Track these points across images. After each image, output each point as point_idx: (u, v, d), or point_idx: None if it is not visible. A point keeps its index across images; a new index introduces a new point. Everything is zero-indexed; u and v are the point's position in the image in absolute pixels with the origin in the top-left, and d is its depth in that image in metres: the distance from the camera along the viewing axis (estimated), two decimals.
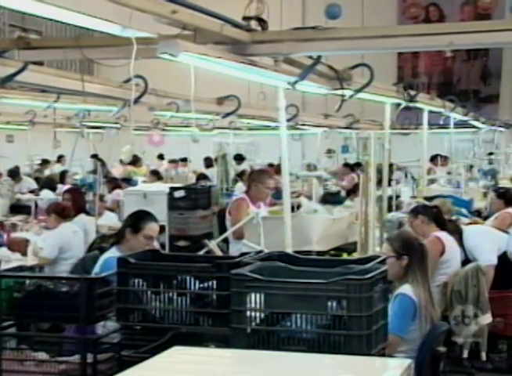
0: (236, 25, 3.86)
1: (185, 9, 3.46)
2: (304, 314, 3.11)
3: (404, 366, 2.61)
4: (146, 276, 3.51)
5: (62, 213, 6.84)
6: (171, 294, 3.47)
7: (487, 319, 5.84)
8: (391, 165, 9.58)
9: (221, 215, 7.93)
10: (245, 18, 3.99)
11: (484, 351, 5.85)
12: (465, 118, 12.23)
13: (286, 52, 4.16)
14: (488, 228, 6.96)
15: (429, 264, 5.74)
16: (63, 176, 11.83)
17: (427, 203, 7.25)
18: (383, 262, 3.47)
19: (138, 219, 4.89)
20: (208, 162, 15.21)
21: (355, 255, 5.79)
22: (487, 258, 6.17)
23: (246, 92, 11.49)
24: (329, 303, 3.13)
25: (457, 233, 6.34)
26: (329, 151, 17.28)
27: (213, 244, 4.49)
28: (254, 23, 4.00)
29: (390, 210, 8.05)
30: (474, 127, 14.80)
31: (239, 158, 14.76)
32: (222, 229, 7.18)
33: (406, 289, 4.29)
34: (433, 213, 6.16)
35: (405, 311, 4.19)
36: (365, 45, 4.00)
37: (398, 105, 7.92)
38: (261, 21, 4.02)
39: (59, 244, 6.62)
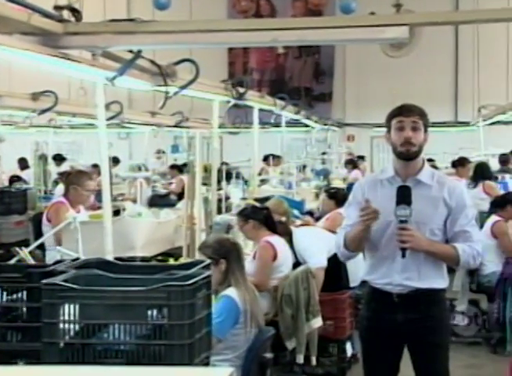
0: (46, 15, 3.77)
1: None
2: (122, 324, 3.09)
3: (225, 375, 2.66)
4: None
5: None
6: None
7: (317, 322, 6.03)
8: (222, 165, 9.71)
9: (37, 220, 7.72)
10: (56, 7, 3.92)
11: (315, 355, 6.05)
12: (297, 117, 12.60)
13: (103, 45, 4.11)
14: (318, 229, 7.19)
15: (263, 270, 5.92)
16: None
17: (257, 204, 7.39)
18: (207, 266, 3.50)
19: None
20: (23, 163, 14.78)
21: (182, 260, 5.81)
22: (317, 260, 6.36)
23: (67, 88, 11.28)
24: (150, 312, 3.13)
25: (287, 235, 6.51)
26: (158, 151, 17.25)
27: (24, 252, 4.37)
28: (66, 14, 3.94)
29: (220, 212, 8.15)
30: (306, 126, 15.29)
31: (59, 158, 14.46)
32: (39, 235, 7.00)
33: (230, 291, 4.37)
34: (263, 216, 6.27)
35: (226, 313, 4.26)
36: (185, 39, 4.01)
37: (229, 103, 8.03)
38: (75, 11, 3.96)
39: None
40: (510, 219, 7.89)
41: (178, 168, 13.59)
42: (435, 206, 3.99)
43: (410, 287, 3.99)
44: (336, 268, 6.30)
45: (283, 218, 6.79)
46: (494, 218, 7.86)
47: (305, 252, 6.43)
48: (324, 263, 6.37)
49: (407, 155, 3.96)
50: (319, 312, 6.02)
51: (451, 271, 4.41)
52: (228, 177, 11.01)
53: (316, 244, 6.50)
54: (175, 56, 5.48)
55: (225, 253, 4.49)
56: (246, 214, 6.27)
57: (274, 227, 6.27)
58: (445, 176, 4.31)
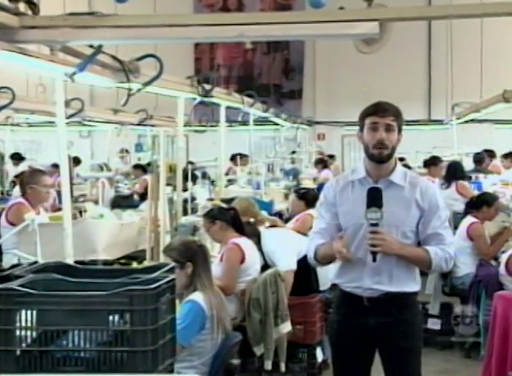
0: (0, 7, 3.73)
1: None
2: (82, 330, 3.07)
3: None
4: None
5: None
6: None
7: (286, 327, 6.04)
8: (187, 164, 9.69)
9: None
10: (12, 0, 3.88)
11: (284, 361, 6.05)
12: (265, 115, 12.60)
13: (61, 39, 4.07)
14: (288, 231, 7.18)
15: (230, 273, 5.90)
16: None
17: (223, 205, 7.37)
18: (171, 270, 3.49)
19: None
20: None
21: (146, 264, 5.79)
22: (286, 263, 6.35)
23: (25, 84, 11.19)
24: (111, 317, 3.11)
25: (255, 237, 6.50)
26: (121, 150, 17.17)
27: None
28: (23, 6, 3.90)
29: (185, 213, 8.13)
30: (275, 124, 15.30)
31: (17, 158, 14.35)
32: None
33: (196, 296, 4.36)
34: (230, 216, 6.26)
35: (191, 318, 4.25)
36: (148, 33, 3.99)
37: (195, 100, 8.01)
38: (31, 4, 3.92)
39: None
40: (486, 220, 7.95)
41: (142, 168, 13.53)
42: (407, 208, 3.99)
43: (380, 291, 3.99)
44: (305, 271, 6.29)
45: (251, 219, 6.79)
46: (470, 219, 7.90)
47: (274, 254, 6.43)
48: (293, 266, 6.36)
49: (380, 158, 3.95)
50: (287, 316, 6.02)
51: (424, 274, 4.43)
52: (194, 177, 10.99)
53: (285, 247, 6.49)
54: (139, 52, 5.45)
55: (191, 256, 4.48)
56: (212, 215, 6.24)
57: (242, 228, 6.25)
58: (418, 176, 4.31)
